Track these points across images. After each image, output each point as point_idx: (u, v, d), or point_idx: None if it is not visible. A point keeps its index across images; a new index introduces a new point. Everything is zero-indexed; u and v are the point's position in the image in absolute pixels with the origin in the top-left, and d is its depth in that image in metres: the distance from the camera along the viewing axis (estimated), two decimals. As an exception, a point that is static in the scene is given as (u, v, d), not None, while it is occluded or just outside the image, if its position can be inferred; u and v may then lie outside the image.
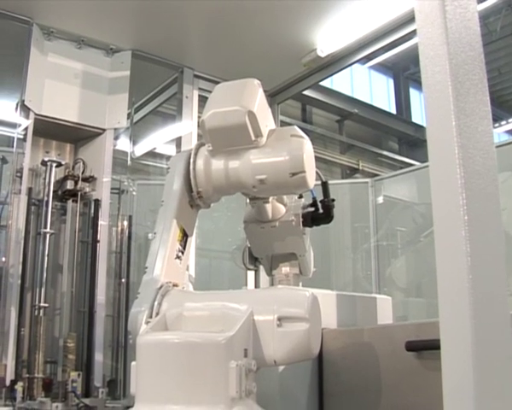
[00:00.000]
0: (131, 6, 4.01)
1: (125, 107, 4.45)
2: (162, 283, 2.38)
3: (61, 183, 4.19)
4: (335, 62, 4.68)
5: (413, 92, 14.93)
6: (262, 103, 2.50)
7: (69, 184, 4.16)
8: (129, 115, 4.62)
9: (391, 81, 14.88)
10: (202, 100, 4.70)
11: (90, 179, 4.25)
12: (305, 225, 2.97)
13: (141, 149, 6.35)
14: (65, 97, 4.26)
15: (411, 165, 10.72)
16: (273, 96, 5.09)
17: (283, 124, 6.14)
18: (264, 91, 2.56)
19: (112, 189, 4.37)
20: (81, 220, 4.23)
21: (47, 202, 4.04)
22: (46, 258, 3.98)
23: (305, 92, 6.14)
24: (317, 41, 4.39)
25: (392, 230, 6.83)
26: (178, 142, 4.71)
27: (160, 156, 7.48)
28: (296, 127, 2.55)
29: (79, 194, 4.19)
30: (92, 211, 4.23)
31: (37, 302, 3.87)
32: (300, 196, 3.04)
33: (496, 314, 1.55)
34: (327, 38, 4.36)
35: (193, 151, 2.61)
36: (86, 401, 3.72)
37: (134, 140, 4.99)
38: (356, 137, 13.21)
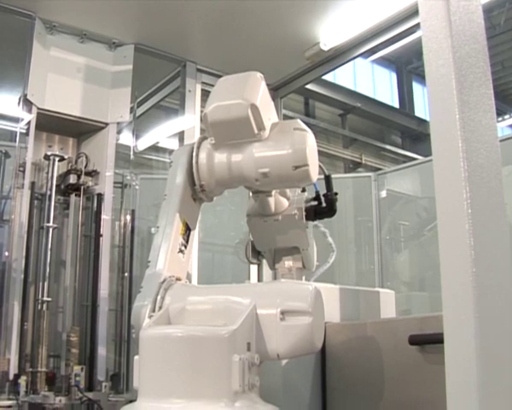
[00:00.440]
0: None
1: (127, 101, 4.45)
2: (165, 277, 2.38)
3: (63, 177, 4.19)
4: (338, 56, 4.67)
5: (416, 86, 14.90)
6: (265, 96, 2.49)
7: (72, 179, 4.16)
8: (132, 109, 4.62)
9: (394, 75, 14.85)
10: (205, 94, 4.69)
11: (92, 173, 4.25)
12: (308, 218, 2.97)
13: (144, 143, 6.35)
14: (67, 91, 4.26)
15: (414, 159, 10.69)
16: (276, 90, 5.09)
17: (286, 118, 6.12)
18: (267, 85, 2.55)
19: (115, 183, 4.37)
20: (84, 215, 4.23)
21: (50, 196, 4.04)
22: (49, 252, 3.98)
23: (308, 86, 6.13)
24: (320, 34, 4.38)
25: (396, 224, 6.82)
26: (181, 136, 4.71)
27: (163, 150, 7.48)
28: (299, 121, 2.54)
29: (82, 188, 4.19)
30: (95, 205, 4.23)
31: (40, 297, 3.88)
32: (303, 190, 3.04)
33: (500, 308, 1.55)
34: (330, 32, 4.35)
35: (195, 145, 2.61)
36: (89, 394, 3.73)
37: (137, 134, 4.99)
38: (359, 131, 13.19)
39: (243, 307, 2.12)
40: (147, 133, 6.35)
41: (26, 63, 4.03)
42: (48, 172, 4.12)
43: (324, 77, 6.86)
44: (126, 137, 4.94)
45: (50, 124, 4.25)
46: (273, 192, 2.80)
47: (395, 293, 3.37)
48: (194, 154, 2.58)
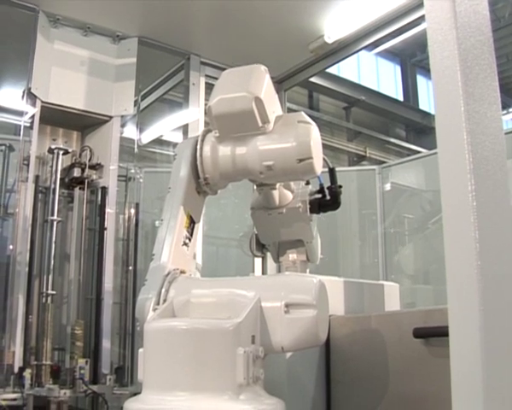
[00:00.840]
0: (138, -8, 4.01)
1: (131, 94, 4.44)
2: (169, 270, 2.38)
3: (67, 170, 4.20)
4: (343, 49, 4.66)
5: (420, 79, 14.86)
6: (269, 89, 2.49)
7: (76, 172, 4.17)
8: (135, 103, 4.61)
9: (398, 68, 14.80)
10: (209, 87, 4.69)
11: (96, 167, 4.25)
12: (312, 211, 2.96)
13: (148, 136, 6.34)
14: (71, 85, 4.26)
15: (418, 152, 10.67)
16: (280, 83, 5.08)
17: (290, 111, 6.11)
18: (272, 78, 2.55)
19: (119, 176, 4.38)
20: (88, 208, 4.24)
21: (54, 189, 4.05)
22: (53, 245, 3.99)
23: (312, 79, 6.11)
24: (325, 27, 4.37)
25: (400, 217, 6.81)
26: (185, 129, 4.71)
27: (167, 144, 7.46)
28: (303, 113, 2.54)
29: (86, 181, 4.19)
30: (99, 198, 4.24)
31: (44, 290, 3.88)
32: (307, 183, 3.04)
33: (505, 300, 1.55)
34: (334, 25, 4.34)
35: (200, 138, 2.61)
36: (94, 387, 3.74)
37: (141, 127, 4.99)
38: (363, 124, 13.16)
39: (247, 299, 2.12)
40: (151, 126, 6.34)
41: (30, 57, 4.03)
42: (52, 166, 4.13)
43: (328, 70, 6.83)
44: (130, 131, 4.94)
45: (54, 117, 4.25)
46: (277, 185, 2.80)
47: (399, 286, 3.36)
48: (199, 147, 2.58)
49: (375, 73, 13.88)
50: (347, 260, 6.82)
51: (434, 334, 2.30)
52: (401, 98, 14.48)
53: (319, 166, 2.51)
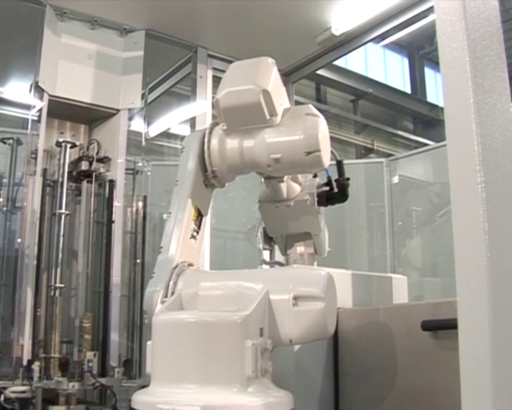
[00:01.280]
0: (144, -15, 4.00)
1: (139, 87, 4.44)
2: (177, 262, 2.38)
3: (75, 164, 4.20)
4: (350, 41, 4.65)
5: (428, 71, 14.81)
6: (276, 82, 2.48)
7: (84, 165, 4.17)
8: (143, 96, 4.61)
9: (405, 60, 14.75)
10: (216, 80, 4.68)
11: (104, 160, 4.25)
12: (319, 204, 2.96)
13: (155, 129, 6.35)
14: (79, 78, 4.26)
15: (426, 145, 10.63)
16: (287, 76, 5.07)
17: (298, 104, 6.10)
18: (279, 71, 2.54)
19: (126, 169, 4.38)
20: (96, 201, 4.24)
21: (62, 182, 4.05)
22: (61, 239, 4.00)
23: (320, 72, 6.10)
24: (332, 19, 4.36)
25: (408, 209, 6.79)
26: (193, 122, 4.71)
27: (175, 137, 7.47)
28: (311, 106, 2.53)
29: (94, 175, 4.20)
30: (107, 192, 4.24)
31: (52, 283, 3.89)
32: (315, 176, 3.03)
33: (514, 293, 1.54)
34: (342, 17, 4.33)
35: (207, 130, 2.60)
36: (102, 380, 3.75)
37: (148, 121, 4.98)
38: (370, 116, 13.13)
39: (256, 292, 2.12)
40: (158, 119, 6.34)
41: (37, 50, 4.03)
42: (60, 159, 4.13)
43: (336, 62, 6.82)
44: (138, 124, 4.94)
45: (62, 111, 4.25)
46: (285, 178, 2.79)
47: (407, 279, 3.35)
48: (206, 139, 2.58)
49: (382, 66, 13.84)
50: (355, 253, 6.81)
51: (443, 327, 2.29)
52: (409, 91, 14.43)
53: (327, 159, 2.51)
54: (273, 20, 4.33)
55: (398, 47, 14.12)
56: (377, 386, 2.62)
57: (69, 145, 4.15)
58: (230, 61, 2.73)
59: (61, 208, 4.01)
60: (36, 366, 3.57)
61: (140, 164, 4.66)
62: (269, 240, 3.18)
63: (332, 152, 2.64)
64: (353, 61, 12.08)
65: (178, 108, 6.31)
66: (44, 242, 3.95)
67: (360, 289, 2.96)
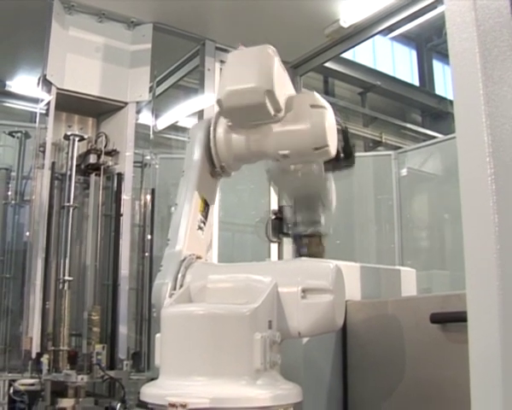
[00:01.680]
0: (152, -22, 4.00)
1: (146, 80, 4.44)
2: (185, 255, 2.38)
3: (83, 157, 4.20)
4: (358, 33, 4.64)
5: (436, 64, 14.75)
6: (279, 73, 2.42)
7: (92, 158, 4.17)
8: (151, 89, 4.61)
9: (414, 53, 14.71)
10: (224, 73, 4.67)
11: (112, 153, 4.26)
12: (327, 170, 2.92)
13: (163, 122, 6.35)
14: (87, 71, 4.26)
15: (435, 137, 10.61)
16: (295, 68, 5.05)
17: (305, 96, 6.08)
18: (287, 63, 2.53)
19: (134, 162, 4.38)
20: (104, 194, 4.25)
21: (70, 176, 4.05)
22: (70, 232, 4.00)
23: (328, 64, 6.10)
24: (340, 11, 4.35)
25: (416, 202, 6.78)
26: (200, 115, 4.71)
27: (183, 130, 7.47)
28: (316, 94, 2.50)
29: (102, 168, 4.20)
30: (115, 185, 4.24)
31: (61, 276, 3.90)
32: None
33: (524, 285, 1.53)
34: (350, 9, 4.32)
35: (213, 120, 2.59)
36: (111, 373, 3.76)
37: (156, 113, 4.98)
38: (378, 109, 13.10)
39: (264, 285, 2.12)
40: (166, 112, 6.35)
41: (45, 44, 4.04)
42: (68, 152, 4.14)
43: (344, 55, 6.81)
44: (146, 117, 4.94)
45: (70, 104, 4.26)
46: None
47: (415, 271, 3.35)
48: (212, 128, 2.56)
49: (390, 58, 13.81)
50: (363, 246, 6.81)
51: (452, 319, 2.29)
52: (417, 83, 14.39)
53: (334, 148, 2.50)
54: (281, 12, 4.32)
55: (406, 39, 14.07)
56: (386, 378, 2.62)
57: (77, 138, 4.15)
58: (238, 54, 2.71)
59: (69, 202, 4.01)
60: (45, 359, 3.58)
61: (148, 157, 4.66)
62: (277, 233, 3.17)
63: (337, 121, 2.60)
64: (361, 54, 12.05)
65: (186, 101, 6.31)
66: (53, 235, 3.96)
67: (369, 282, 2.95)
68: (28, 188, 4.24)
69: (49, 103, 4.03)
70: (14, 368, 3.72)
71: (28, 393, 3.45)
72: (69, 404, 3.52)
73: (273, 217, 3.11)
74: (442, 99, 13.63)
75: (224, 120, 2.56)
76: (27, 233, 4.05)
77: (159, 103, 5.44)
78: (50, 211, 3.93)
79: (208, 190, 2.62)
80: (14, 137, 4.48)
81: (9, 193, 4.34)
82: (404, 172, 6.70)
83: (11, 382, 3.47)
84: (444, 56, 13.83)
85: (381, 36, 10.69)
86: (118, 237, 4.14)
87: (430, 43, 14.37)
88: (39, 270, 3.80)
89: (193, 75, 5.24)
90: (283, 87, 2.46)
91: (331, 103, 2.54)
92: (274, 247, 4.62)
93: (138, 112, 4.62)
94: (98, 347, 3.77)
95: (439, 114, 13.57)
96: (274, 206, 3.86)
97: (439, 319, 2.37)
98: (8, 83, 6.80)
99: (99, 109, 4.42)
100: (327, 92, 12.22)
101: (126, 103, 4.36)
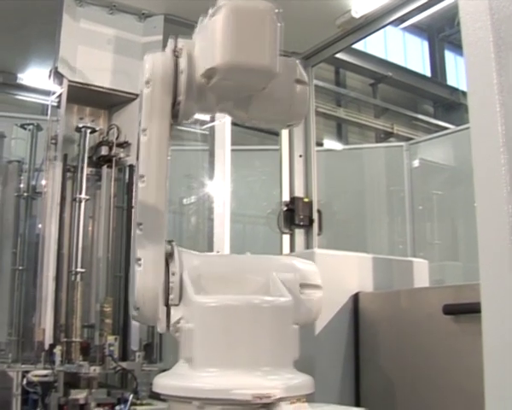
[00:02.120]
0: (163, -31, 3.99)
1: (158, 72, 4.43)
2: (167, 248, 2.38)
3: (95, 149, 4.20)
4: (370, 24, 4.61)
5: (448, 55, 14.69)
6: (279, 42, 2.35)
7: (104, 150, 4.17)
8: (162, 80, 4.59)
9: (425, 44, 14.65)
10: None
11: (124, 145, 4.25)
12: None
13: (174, 114, 6.33)
14: (98, 63, 4.26)
15: (446, 128, 10.57)
16: (307, 59, 5.02)
17: (317, 88, 6.08)
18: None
19: (146, 154, 4.37)
20: (116, 186, 4.24)
21: (82, 168, 4.05)
22: (82, 224, 4.01)
23: (339, 55, 6.06)
24: (352, 2, 4.33)
25: (428, 193, 6.76)
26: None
27: (193, 121, 7.47)
28: (298, 64, 2.48)
29: (114, 160, 4.19)
30: (127, 177, 4.24)
31: (73, 268, 3.90)
32: None
33: (538, 276, 1.52)
34: (361, -1, 4.30)
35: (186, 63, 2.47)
36: (123, 364, 3.77)
37: (167, 105, 4.97)
38: (390, 100, 13.06)
39: (262, 278, 2.18)
40: (177, 105, 6.33)
41: (57, 36, 4.04)
42: (79, 145, 4.14)
43: (355, 46, 6.78)
44: (157, 109, 4.92)
45: (81, 96, 4.25)
46: None
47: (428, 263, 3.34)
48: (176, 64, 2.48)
49: (402, 49, 13.76)
50: (375, 237, 6.79)
51: (465, 311, 2.28)
52: (429, 74, 14.34)
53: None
54: (293, 3, 4.29)
55: (417, 30, 14.02)
56: (398, 368, 2.62)
57: (89, 130, 4.15)
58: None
59: (81, 193, 4.01)
60: (58, 350, 3.59)
61: (159, 149, 4.65)
62: (289, 224, 3.17)
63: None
64: (373, 45, 12.01)
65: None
66: (65, 227, 3.96)
67: (381, 273, 2.95)
68: (40, 180, 4.24)
69: (60, 96, 4.03)
70: (28, 360, 3.73)
71: (41, 384, 3.46)
72: (82, 395, 3.53)
73: (285, 208, 3.11)
74: (454, 90, 13.59)
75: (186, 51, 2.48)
76: (39, 225, 4.06)
77: (170, 95, 5.43)
78: (62, 203, 3.93)
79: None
80: (25, 129, 4.48)
81: (22, 185, 4.35)
82: (415, 163, 6.68)
83: (24, 373, 3.48)
84: (456, 47, 13.77)
85: (392, 26, 10.62)
86: (130, 228, 4.14)
87: (442, 34, 14.31)
88: (52, 262, 3.81)
89: (204, 67, 5.23)
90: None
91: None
92: (286, 238, 4.61)
93: (150, 104, 4.61)
94: (110, 338, 3.78)
95: (451, 105, 13.53)
96: (286, 197, 3.87)
97: (452, 310, 2.36)
98: (19, 76, 6.79)
99: (110, 101, 4.42)
100: (338, 83, 12.20)
101: (138, 95, 4.35)
